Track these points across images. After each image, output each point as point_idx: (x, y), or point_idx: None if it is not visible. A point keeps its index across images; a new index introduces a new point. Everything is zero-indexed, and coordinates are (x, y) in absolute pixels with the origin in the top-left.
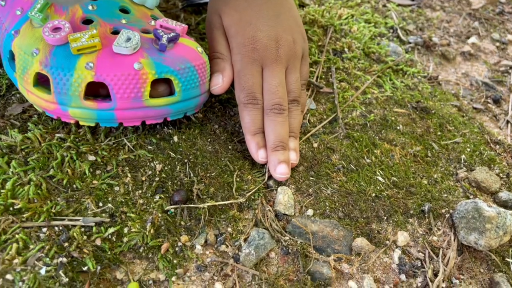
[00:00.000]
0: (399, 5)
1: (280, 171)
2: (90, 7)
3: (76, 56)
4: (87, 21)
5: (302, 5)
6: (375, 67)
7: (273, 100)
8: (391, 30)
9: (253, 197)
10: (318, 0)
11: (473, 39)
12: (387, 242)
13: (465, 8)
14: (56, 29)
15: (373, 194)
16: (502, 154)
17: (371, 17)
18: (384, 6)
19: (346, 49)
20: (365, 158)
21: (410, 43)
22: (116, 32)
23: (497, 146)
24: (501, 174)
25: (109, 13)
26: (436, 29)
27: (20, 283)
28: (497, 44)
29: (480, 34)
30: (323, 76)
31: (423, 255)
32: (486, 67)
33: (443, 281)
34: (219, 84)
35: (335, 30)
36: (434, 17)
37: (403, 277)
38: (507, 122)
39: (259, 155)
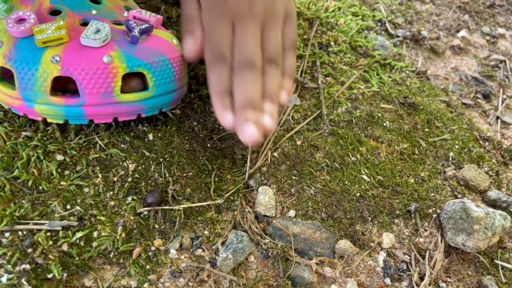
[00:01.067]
0: None
1: (248, 133)
2: None
3: (41, 49)
4: (55, 12)
5: None
6: (361, 61)
7: (242, 54)
8: (379, 23)
9: (232, 198)
10: None
11: (463, 33)
12: (372, 244)
13: (455, 1)
14: (21, 20)
15: (358, 194)
16: (492, 151)
17: (359, 10)
18: None
19: (332, 43)
20: (350, 156)
21: (398, 36)
22: (85, 24)
23: (486, 143)
24: (490, 172)
25: (78, 3)
26: (425, 23)
27: None
28: (487, 38)
29: (470, 28)
30: (308, 71)
31: (409, 257)
32: (476, 61)
33: (429, 285)
34: (190, 48)
35: (321, 23)
36: (424, 10)
37: (388, 281)
38: (497, 118)
39: (225, 118)
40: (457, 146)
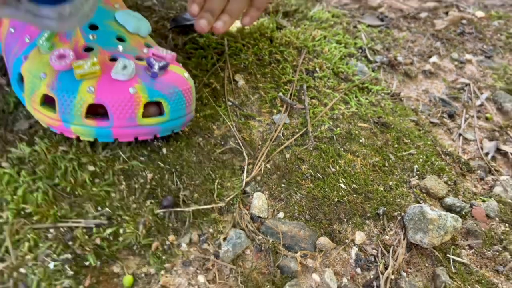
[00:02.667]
0: (369, 25)
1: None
2: (90, 37)
3: (79, 81)
4: (88, 49)
5: (279, 28)
6: (342, 85)
7: None
8: (360, 50)
9: (232, 202)
10: (295, 22)
11: (434, 58)
12: (346, 240)
13: (429, 29)
14: (62, 56)
15: (336, 199)
16: (452, 164)
17: (342, 38)
18: (355, 27)
19: (317, 69)
20: (331, 167)
21: (376, 62)
22: (114, 59)
23: (447, 157)
24: (449, 182)
25: (107, 42)
26: (402, 49)
27: (32, 276)
28: (456, 63)
29: (441, 54)
30: (296, 94)
31: (376, 251)
32: (444, 84)
33: (392, 273)
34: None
35: (308, 51)
36: (401, 37)
37: (358, 270)
38: (459, 135)
39: (192, 8)
40: (421, 160)
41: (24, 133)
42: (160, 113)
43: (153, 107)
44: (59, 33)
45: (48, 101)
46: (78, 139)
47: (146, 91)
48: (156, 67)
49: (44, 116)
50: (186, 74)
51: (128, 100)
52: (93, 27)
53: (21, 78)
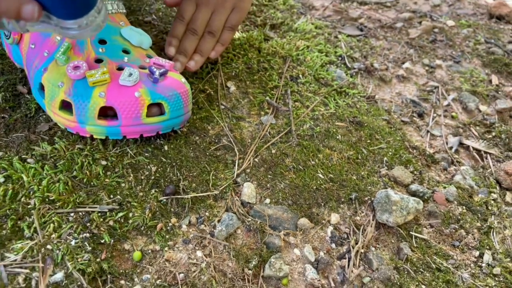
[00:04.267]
0: (348, 35)
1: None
2: (100, 50)
3: (92, 87)
4: (98, 60)
5: (266, 39)
6: (323, 89)
7: (192, 25)
8: (340, 58)
9: (225, 191)
10: (281, 34)
11: (407, 64)
12: (323, 221)
13: (404, 37)
14: (76, 67)
15: (315, 187)
16: (418, 156)
17: (324, 47)
18: (336, 37)
19: (300, 75)
20: (311, 160)
21: (354, 68)
22: (120, 68)
23: (414, 151)
24: (415, 172)
25: (115, 54)
26: (378, 56)
27: (57, 251)
28: (427, 68)
29: (413, 60)
30: (282, 98)
31: (349, 230)
32: (416, 87)
33: (362, 248)
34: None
35: (292, 60)
36: (378, 45)
37: (333, 245)
38: (427, 131)
39: (169, 50)
40: (390, 153)
41: (45, 134)
42: (161, 113)
43: (155, 108)
44: (73, 48)
45: (65, 106)
46: (91, 138)
47: (149, 94)
48: (157, 73)
49: (62, 119)
50: (183, 79)
51: (134, 102)
52: (102, 42)
53: (42, 87)
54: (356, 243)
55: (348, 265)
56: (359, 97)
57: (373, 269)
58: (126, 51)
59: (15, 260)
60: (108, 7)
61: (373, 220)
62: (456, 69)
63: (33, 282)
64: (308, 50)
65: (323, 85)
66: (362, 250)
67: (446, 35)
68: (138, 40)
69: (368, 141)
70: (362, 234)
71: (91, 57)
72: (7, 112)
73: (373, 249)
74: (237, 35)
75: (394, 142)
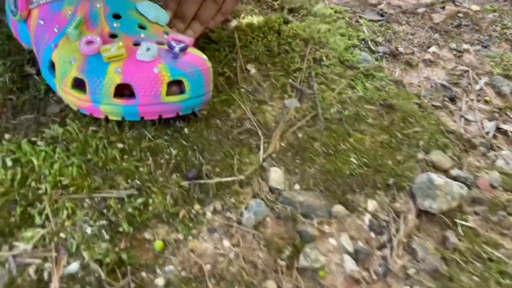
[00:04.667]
0: (370, 20)
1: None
2: (115, 24)
3: (107, 63)
4: (113, 36)
5: (286, 22)
6: (348, 72)
7: None
8: (363, 42)
9: (250, 176)
10: (300, 18)
11: (433, 48)
12: (360, 208)
13: (427, 22)
14: (90, 42)
15: (348, 172)
16: (455, 141)
17: (345, 31)
18: (357, 21)
19: (324, 58)
20: (341, 145)
21: (379, 52)
22: (137, 44)
23: (451, 135)
24: (453, 157)
25: (130, 29)
26: (402, 41)
27: (71, 240)
28: (454, 52)
29: (440, 44)
30: (305, 81)
31: (388, 218)
32: (444, 72)
33: (404, 237)
34: None
35: (314, 42)
36: (400, 30)
37: (372, 234)
38: (461, 116)
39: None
40: (426, 137)
41: (56, 116)
42: (181, 91)
43: (175, 86)
44: (86, 22)
45: (78, 85)
46: (106, 119)
47: (168, 70)
48: (177, 48)
49: (74, 98)
50: (204, 56)
51: (152, 79)
52: (117, 16)
53: (52, 65)
54: (398, 232)
55: (391, 255)
56: (387, 80)
57: (417, 260)
58: (142, 27)
59: (25, 250)
60: None
61: (413, 207)
62: (485, 53)
63: (46, 274)
64: (330, 33)
65: (348, 68)
66: (405, 240)
67: (472, 20)
68: (154, 15)
69: (402, 124)
70: (403, 222)
71: (105, 32)
72: (14, 94)
73: (415, 238)
74: (255, 18)
75: (429, 126)
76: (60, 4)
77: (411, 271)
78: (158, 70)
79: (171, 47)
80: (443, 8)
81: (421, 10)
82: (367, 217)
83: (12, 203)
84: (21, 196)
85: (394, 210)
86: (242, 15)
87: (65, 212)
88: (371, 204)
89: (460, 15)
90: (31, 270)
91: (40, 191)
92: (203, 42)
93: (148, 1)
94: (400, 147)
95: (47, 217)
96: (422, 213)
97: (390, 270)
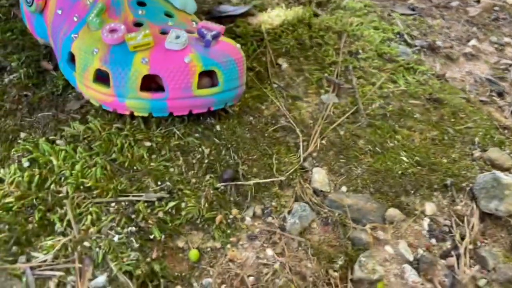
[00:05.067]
0: (402, 14)
1: None
2: (140, 12)
3: (132, 53)
4: (138, 24)
5: (316, 15)
6: (388, 65)
7: None
8: (398, 35)
9: (291, 177)
10: (329, 12)
11: (473, 42)
12: (416, 212)
13: (462, 16)
14: (113, 30)
15: (400, 172)
16: (511, 137)
17: (379, 24)
18: (389, 15)
19: (360, 51)
20: (388, 142)
21: (416, 46)
22: (164, 32)
23: (506, 131)
24: (511, 155)
25: (156, 16)
26: (438, 34)
27: (97, 249)
28: (496, 46)
29: (479, 38)
30: (342, 74)
31: (450, 222)
32: (487, 66)
33: (470, 243)
34: None
35: (348, 35)
36: (435, 24)
37: (433, 241)
38: None
39: None
40: (480, 133)
41: (76, 112)
42: (214, 84)
43: (207, 79)
44: (108, 10)
45: (100, 79)
46: (131, 116)
47: (200, 59)
48: (209, 36)
49: (97, 93)
50: (238, 45)
51: (183, 69)
52: (141, 4)
53: (71, 58)
54: (463, 238)
55: (458, 264)
56: (429, 74)
57: (488, 269)
58: (168, 15)
59: (45, 261)
60: None
61: (476, 209)
62: None
63: None
64: (363, 27)
65: (387, 61)
66: (471, 246)
67: (510, 13)
68: (182, 3)
69: (452, 120)
70: (467, 227)
71: (129, 20)
72: (30, 90)
73: (482, 245)
74: (282, 11)
75: (481, 121)
76: None
77: (482, 282)
78: (189, 60)
79: (202, 35)
80: (478, 1)
81: (454, 3)
82: (425, 222)
83: (30, 208)
84: (40, 200)
85: (455, 213)
86: (268, 9)
87: (89, 218)
88: (429, 207)
89: (496, 8)
90: (52, 284)
91: (60, 195)
92: (228, 37)
93: None
94: (454, 144)
95: (69, 224)
96: (486, 216)
97: (458, 281)
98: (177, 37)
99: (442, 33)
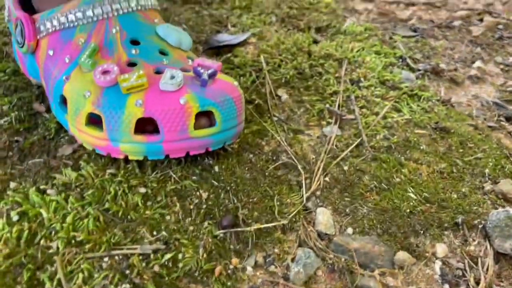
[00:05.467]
0: (404, 36)
1: None
2: (133, 51)
3: (126, 95)
4: (131, 64)
5: (315, 41)
6: (391, 93)
7: None
8: (400, 60)
9: (294, 219)
10: (329, 37)
11: (478, 63)
12: (427, 254)
13: (466, 36)
14: (106, 72)
15: (408, 210)
16: None
17: (380, 49)
18: (391, 38)
19: (362, 79)
20: (395, 177)
21: (419, 70)
22: (159, 72)
23: None
24: None
25: (150, 55)
26: (442, 56)
27: None
28: (501, 66)
29: (484, 59)
30: (344, 104)
31: (463, 264)
32: (493, 88)
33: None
34: None
35: (349, 62)
36: (438, 45)
37: (446, 286)
38: None
39: None
40: (491, 164)
41: (68, 158)
42: (211, 124)
43: (204, 119)
44: (101, 50)
45: (93, 121)
46: (126, 160)
47: (197, 100)
48: (205, 75)
49: (90, 137)
50: (236, 82)
51: (179, 111)
52: (135, 42)
53: (63, 100)
54: (477, 283)
55: None
56: (434, 100)
57: None
58: (163, 53)
59: None
60: (140, 2)
61: (490, 249)
62: None
63: None
64: (364, 52)
65: (390, 88)
66: None
67: None
68: (176, 40)
69: (460, 150)
70: (482, 269)
71: (123, 60)
72: (21, 135)
73: None
74: (282, 38)
75: (491, 151)
76: (71, 32)
77: None
78: (185, 101)
79: (198, 74)
80: (480, 20)
81: (457, 23)
82: (437, 265)
83: (18, 267)
84: (29, 258)
85: (468, 255)
86: (267, 36)
87: (81, 276)
88: (440, 248)
89: (500, 26)
90: None
91: (50, 251)
92: (226, 68)
93: (168, 24)
94: (463, 177)
95: (59, 283)
96: (501, 256)
97: None
98: (172, 77)
99: (446, 55)
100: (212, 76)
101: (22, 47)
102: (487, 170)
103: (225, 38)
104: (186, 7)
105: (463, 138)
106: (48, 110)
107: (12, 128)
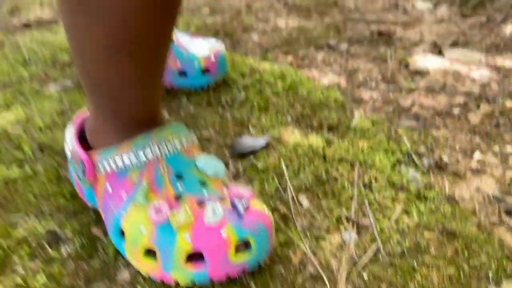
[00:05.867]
0: (407, 127)
1: None
2: (179, 186)
3: (176, 231)
4: (177, 197)
5: (328, 142)
6: (400, 195)
7: None
8: (406, 156)
9: None
10: (340, 135)
11: (477, 155)
12: None
13: (465, 125)
14: (158, 210)
15: None
16: None
17: (388, 146)
18: (396, 132)
19: (373, 181)
20: (409, 283)
21: (424, 166)
22: (200, 202)
23: None
24: None
25: (193, 188)
26: (444, 148)
27: None
28: (499, 156)
29: (482, 149)
30: (360, 209)
31: None
32: (493, 180)
33: None
34: None
35: (360, 163)
36: (440, 136)
37: None
38: None
39: None
40: (493, 266)
41: (127, 283)
42: (247, 248)
43: (241, 246)
44: (151, 187)
45: (148, 252)
46: (176, 284)
47: (235, 233)
48: (241, 208)
49: (145, 266)
50: (267, 210)
51: (222, 244)
52: (179, 177)
53: (121, 233)
54: None
55: None
56: (440, 199)
57: None
58: (203, 183)
59: None
60: (183, 142)
61: None
62: None
63: None
64: (373, 152)
65: (399, 190)
66: None
67: (509, 118)
68: (214, 171)
69: (466, 254)
70: None
71: (171, 195)
72: (85, 261)
73: None
74: (298, 141)
75: (493, 252)
76: (126, 171)
77: None
78: (226, 234)
79: (234, 207)
80: (478, 107)
81: (456, 111)
82: None
83: None
84: None
85: None
86: (285, 139)
87: None
88: None
89: (496, 114)
90: None
91: None
92: (250, 171)
93: (205, 155)
94: (470, 282)
95: None
96: None
97: None
98: (214, 212)
99: (447, 146)
100: (246, 208)
101: (81, 180)
102: (490, 273)
103: (248, 142)
104: (210, 110)
105: (468, 240)
106: (106, 234)
107: (78, 254)
